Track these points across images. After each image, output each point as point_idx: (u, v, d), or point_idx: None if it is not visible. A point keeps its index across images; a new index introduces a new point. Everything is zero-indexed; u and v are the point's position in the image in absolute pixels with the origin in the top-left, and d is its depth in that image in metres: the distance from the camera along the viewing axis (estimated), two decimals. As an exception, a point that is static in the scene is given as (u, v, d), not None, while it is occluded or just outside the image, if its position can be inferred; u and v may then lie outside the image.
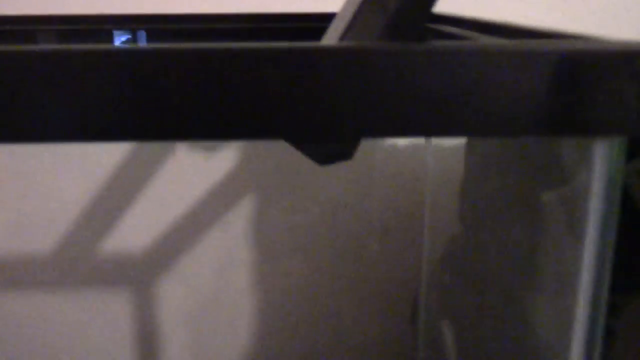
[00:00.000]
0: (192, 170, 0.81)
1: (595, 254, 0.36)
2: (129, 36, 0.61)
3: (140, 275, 0.85)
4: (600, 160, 0.34)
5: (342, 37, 0.40)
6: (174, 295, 0.85)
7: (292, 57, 0.28)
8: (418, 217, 0.82)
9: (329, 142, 0.41)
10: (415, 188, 0.82)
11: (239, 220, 0.83)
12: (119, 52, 0.28)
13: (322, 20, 0.52)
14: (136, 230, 0.83)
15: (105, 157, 0.80)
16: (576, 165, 0.41)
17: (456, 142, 0.77)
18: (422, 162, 0.77)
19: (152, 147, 0.80)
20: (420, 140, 0.78)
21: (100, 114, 0.28)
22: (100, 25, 0.63)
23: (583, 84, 0.31)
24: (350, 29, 0.41)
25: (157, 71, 0.28)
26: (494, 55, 0.30)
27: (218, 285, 0.86)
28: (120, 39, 0.61)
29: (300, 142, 0.41)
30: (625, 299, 0.54)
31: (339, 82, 0.29)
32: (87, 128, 0.28)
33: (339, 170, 0.82)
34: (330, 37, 0.43)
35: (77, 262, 0.84)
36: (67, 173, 0.80)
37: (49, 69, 0.27)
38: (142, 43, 0.62)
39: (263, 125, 0.29)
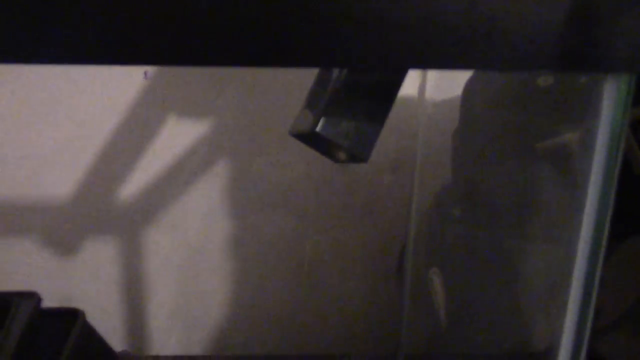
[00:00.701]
0: (182, 120, 0.81)
1: (599, 195, 0.37)
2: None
3: (127, 223, 0.84)
4: (608, 100, 0.35)
5: None
6: (161, 243, 0.86)
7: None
8: (407, 170, 0.83)
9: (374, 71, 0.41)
10: (406, 142, 0.83)
11: (226, 172, 0.83)
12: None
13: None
14: (124, 179, 0.83)
15: (94, 105, 0.79)
16: (581, 106, 0.42)
17: (448, 96, 0.77)
18: (413, 115, 0.77)
19: (142, 97, 0.79)
20: (412, 94, 0.79)
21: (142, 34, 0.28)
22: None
23: (597, 19, 0.31)
24: None
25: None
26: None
27: (204, 235, 0.86)
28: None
29: (353, 69, 0.41)
30: (612, 246, 0.56)
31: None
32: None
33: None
34: None
35: (65, 209, 0.83)
36: (56, 120, 0.79)
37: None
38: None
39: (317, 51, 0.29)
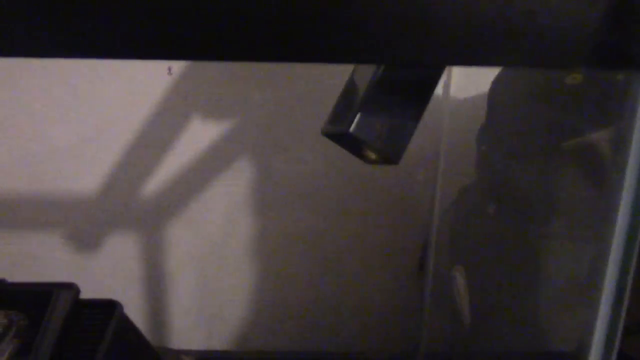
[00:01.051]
0: (204, 117, 0.81)
1: (634, 195, 0.37)
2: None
3: (149, 219, 0.85)
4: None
5: None
6: (182, 239, 0.86)
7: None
8: (430, 167, 0.83)
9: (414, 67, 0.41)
10: (429, 140, 0.82)
11: (248, 168, 0.83)
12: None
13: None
14: (146, 175, 0.83)
15: (118, 101, 0.80)
16: (612, 105, 0.41)
17: (472, 94, 0.77)
18: (438, 113, 0.77)
19: (164, 92, 0.80)
20: (436, 92, 0.79)
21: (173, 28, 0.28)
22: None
23: (635, 16, 0.31)
24: None
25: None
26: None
27: (225, 231, 0.86)
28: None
29: (392, 64, 0.41)
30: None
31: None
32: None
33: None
34: None
35: (88, 203, 0.84)
36: (80, 115, 0.80)
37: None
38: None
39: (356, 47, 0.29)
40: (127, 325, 0.51)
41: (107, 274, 0.87)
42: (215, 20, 0.29)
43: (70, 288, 0.50)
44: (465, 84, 0.77)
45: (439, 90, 0.78)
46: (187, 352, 0.85)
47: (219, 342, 0.91)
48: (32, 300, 0.47)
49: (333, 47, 0.30)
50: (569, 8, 0.30)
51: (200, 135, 0.82)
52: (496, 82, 0.61)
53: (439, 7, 0.30)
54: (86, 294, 0.87)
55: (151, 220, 0.85)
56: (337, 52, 0.29)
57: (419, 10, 0.30)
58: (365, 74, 0.43)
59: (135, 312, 0.88)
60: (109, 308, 0.51)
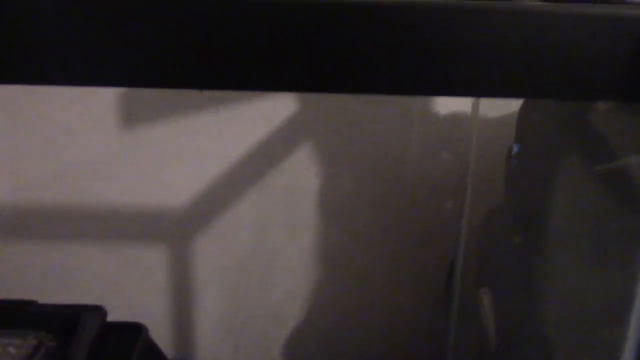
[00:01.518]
0: (235, 130, 0.82)
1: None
2: None
3: (177, 230, 0.86)
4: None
5: None
6: (210, 252, 0.87)
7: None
8: (458, 188, 0.82)
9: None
10: (459, 160, 0.82)
11: (277, 182, 0.84)
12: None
13: None
14: (175, 186, 0.84)
15: (144, 111, 0.81)
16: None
17: (501, 114, 0.77)
18: (467, 132, 0.77)
19: (197, 106, 0.81)
20: (466, 109, 0.78)
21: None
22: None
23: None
24: None
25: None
26: (579, 18, 0.30)
27: (253, 245, 0.87)
28: None
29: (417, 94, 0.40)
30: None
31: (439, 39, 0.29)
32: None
33: (379, 139, 0.82)
34: None
35: (115, 216, 0.85)
36: (106, 124, 0.81)
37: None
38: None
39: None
40: (152, 348, 0.52)
41: (134, 286, 0.88)
42: (238, 54, 0.29)
43: (99, 310, 0.51)
44: (495, 101, 0.76)
45: (467, 107, 0.78)
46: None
47: (245, 356, 0.91)
48: (61, 322, 0.48)
49: (362, 78, 0.30)
50: (598, 43, 0.30)
51: (229, 150, 0.82)
52: (527, 102, 0.61)
53: (469, 39, 0.30)
54: (114, 307, 0.89)
55: (179, 232, 0.86)
56: (368, 83, 0.30)
57: (449, 42, 0.30)
58: None
59: (162, 325, 0.89)
60: (135, 332, 0.52)
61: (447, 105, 0.79)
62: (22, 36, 0.29)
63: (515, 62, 0.30)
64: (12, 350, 0.47)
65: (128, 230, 0.86)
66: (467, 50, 0.30)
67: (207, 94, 0.80)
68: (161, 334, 0.89)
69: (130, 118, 0.81)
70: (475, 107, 0.74)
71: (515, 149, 0.62)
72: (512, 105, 0.68)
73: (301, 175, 0.84)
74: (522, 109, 0.61)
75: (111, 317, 0.90)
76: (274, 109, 0.81)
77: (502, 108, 0.76)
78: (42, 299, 0.55)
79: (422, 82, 0.30)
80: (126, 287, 0.88)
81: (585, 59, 0.30)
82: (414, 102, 0.80)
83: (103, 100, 0.80)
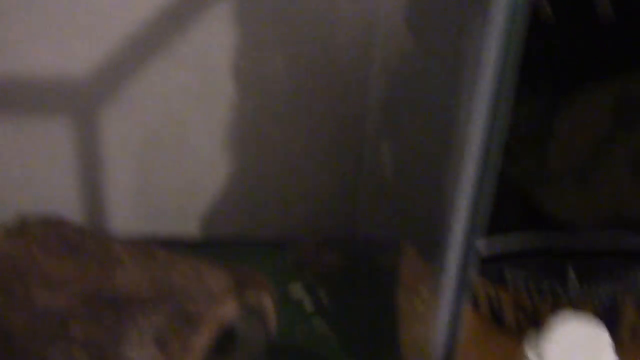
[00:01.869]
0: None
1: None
2: None
3: (81, 102, 0.82)
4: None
5: None
6: (118, 123, 0.83)
7: None
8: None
9: None
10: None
11: (185, 46, 0.79)
12: None
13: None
14: (77, 55, 0.79)
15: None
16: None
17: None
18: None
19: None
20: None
21: None
22: None
23: None
24: None
25: None
26: None
27: (163, 117, 0.84)
28: None
29: None
30: (567, 99, 0.53)
31: None
32: None
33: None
34: None
35: (19, 88, 0.80)
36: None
37: None
38: None
39: None
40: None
41: (39, 161, 0.85)
42: None
43: None
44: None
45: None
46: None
47: (164, 234, 0.90)
48: None
49: None
50: None
51: (138, 13, 0.76)
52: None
53: None
54: (17, 181, 0.85)
55: (83, 106, 0.82)
56: None
57: None
58: None
59: (71, 201, 0.87)
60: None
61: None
62: None
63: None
64: None
65: (31, 104, 0.82)
66: None
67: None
68: (72, 211, 0.87)
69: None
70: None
71: None
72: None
73: (217, 45, 0.80)
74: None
75: (19, 198, 0.88)
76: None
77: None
78: None
79: None
80: (30, 163, 0.85)
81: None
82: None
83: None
